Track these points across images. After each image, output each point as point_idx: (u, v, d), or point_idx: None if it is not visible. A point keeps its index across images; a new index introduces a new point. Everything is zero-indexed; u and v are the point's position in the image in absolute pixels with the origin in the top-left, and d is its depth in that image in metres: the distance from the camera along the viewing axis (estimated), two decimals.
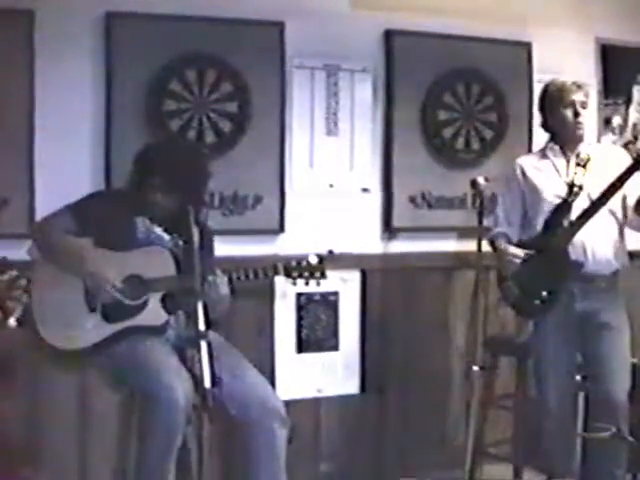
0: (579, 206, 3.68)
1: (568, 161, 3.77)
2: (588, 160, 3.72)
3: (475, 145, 4.51)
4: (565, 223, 3.69)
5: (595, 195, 3.65)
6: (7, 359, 3.72)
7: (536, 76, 4.57)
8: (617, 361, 3.71)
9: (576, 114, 3.72)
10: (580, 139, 3.77)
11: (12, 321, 2.68)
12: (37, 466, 3.72)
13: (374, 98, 4.35)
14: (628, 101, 4.81)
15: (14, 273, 2.68)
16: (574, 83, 3.77)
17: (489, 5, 4.46)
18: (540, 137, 4.39)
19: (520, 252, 3.74)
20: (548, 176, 3.78)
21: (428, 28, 4.35)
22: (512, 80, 4.55)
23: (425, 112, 4.42)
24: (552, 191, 3.75)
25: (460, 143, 4.49)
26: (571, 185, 3.70)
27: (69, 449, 3.83)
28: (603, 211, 3.67)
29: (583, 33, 4.68)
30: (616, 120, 4.78)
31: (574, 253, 3.68)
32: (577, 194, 3.69)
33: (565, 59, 4.58)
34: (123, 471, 3.45)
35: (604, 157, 3.80)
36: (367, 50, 4.32)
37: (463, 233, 4.35)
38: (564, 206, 3.71)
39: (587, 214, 3.65)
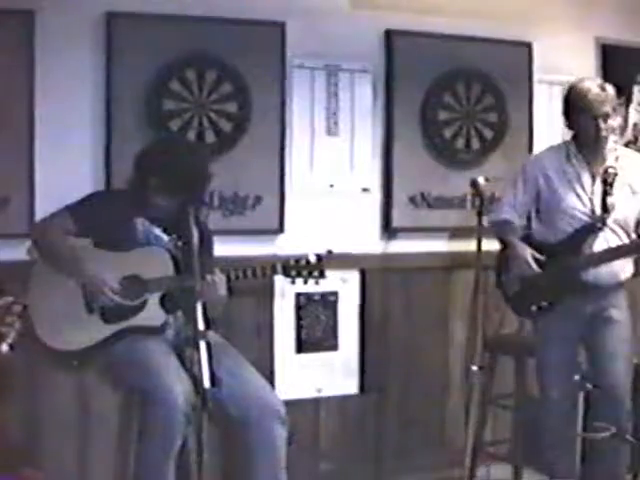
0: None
1: (593, 177, 3.69)
2: (615, 175, 3.64)
3: (475, 145, 4.51)
4: (587, 246, 3.66)
5: (621, 216, 3.64)
6: (6, 360, 3.72)
7: (536, 76, 4.58)
8: (621, 359, 3.72)
9: (598, 129, 3.62)
10: (602, 149, 3.68)
11: (4, 347, 2.68)
12: (37, 466, 3.72)
13: (374, 98, 4.35)
14: (628, 101, 4.80)
15: (9, 299, 2.68)
16: (598, 93, 3.62)
17: (489, 5, 4.46)
18: (540, 138, 4.41)
19: (535, 265, 3.73)
20: (573, 189, 3.71)
21: (428, 28, 4.34)
22: (512, 80, 4.54)
23: (425, 112, 4.41)
24: (577, 207, 3.69)
25: (460, 143, 4.49)
26: (602, 210, 3.64)
27: (69, 449, 3.84)
28: (616, 227, 3.67)
29: (583, 33, 4.68)
30: (616, 120, 4.76)
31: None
32: (605, 220, 3.64)
33: (565, 59, 4.57)
34: (123, 471, 3.45)
35: (629, 169, 3.71)
36: (367, 50, 4.31)
37: (463, 233, 4.34)
38: (591, 228, 3.66)
39: (612, 255, 3.63)
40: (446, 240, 4.49)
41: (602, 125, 3.61)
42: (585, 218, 3.68)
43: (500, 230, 3.86)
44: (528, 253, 3.76)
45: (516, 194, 3.84)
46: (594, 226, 3.66)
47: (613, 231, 3.68)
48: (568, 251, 3.71)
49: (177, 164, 3.38)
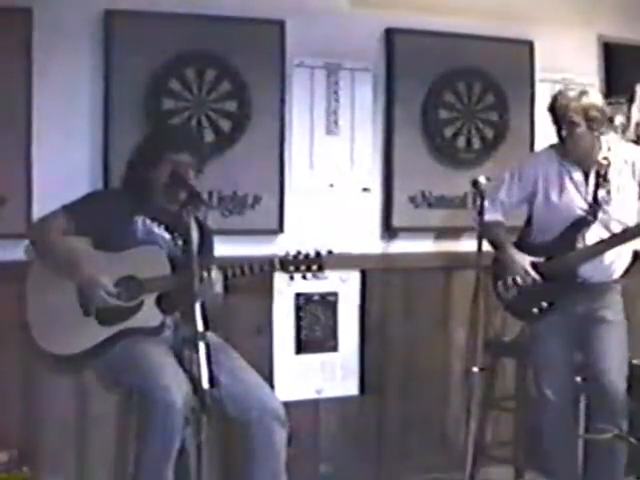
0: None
1: (586, 174, 3.71)
2: (608, 165, 3.68)
3: (476, 144, 4.50)
4: (580, 241, 3.68)
5: (613, 210, 3.65)
6: (7, 362, 3.72)
7: (538, 75, 4.57)
8: (615, 357, 3.71)
9: (581, 139, 3.64)
10: (589, 157, 3.70)
11: None
12: (37, 469, 3.72)
13: (374, 97, 4.34)
14: (631, 100, 4.79)
15: None
16: (580, 100, 3.64)
17: (491, 3, 4.45)
18: (542, 137, 4.39)
19: (534, 273, 3.73)
20: (567, 188, 3.73)
21: (429, 27, 4.33)
22: (514, 79, 4.53)
23: (426, 111, 4.40)
24: (571, 205, 3.71)
25: (461, 142, 4.48)
26: (593, 203, 3.66)
27: (68, 452, 3.83)
28: (611, 222, 3.67)
29: (586, 31, 4.66)
30: (619, 119, 4.76)
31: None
32: (597, 213, 3.66)
33: (567, 58, 4.57)
34: (122, 473, 3.44)
35: (621, 161, 3.74)
36: (368, 49, 4.30)
37: (463, 233, 4.34)
38: (582, 222, 3.68)
39: (605, 247, 3.63)
40: (446, 240, 4.47)
41: (579, 132, 3.62)
42: (579, 214, 3.70)
43: (491, 232, 3.81)
44: (527, 261, 3.76)
45: (509, 194, 3.85)
46: (585, 219, 3.68)
47: (607, 227, 3.68)
48: (562, 248, 3.71)
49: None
